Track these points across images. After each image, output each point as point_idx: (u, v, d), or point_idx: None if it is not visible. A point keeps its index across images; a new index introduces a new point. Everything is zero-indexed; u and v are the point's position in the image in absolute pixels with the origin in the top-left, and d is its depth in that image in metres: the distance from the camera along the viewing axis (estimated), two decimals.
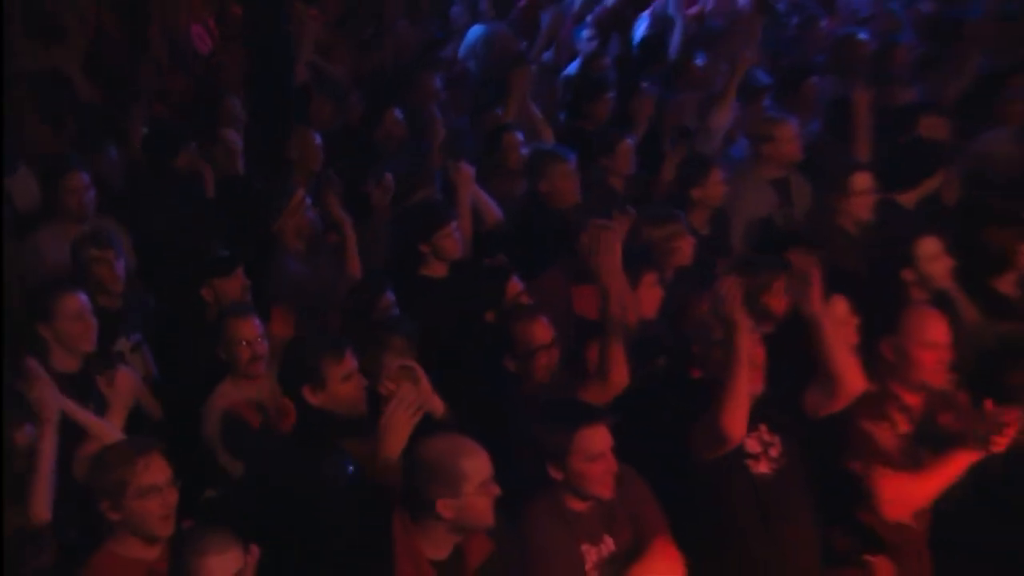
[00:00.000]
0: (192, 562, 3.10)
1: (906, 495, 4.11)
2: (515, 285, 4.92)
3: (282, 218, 5.42)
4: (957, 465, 4.06)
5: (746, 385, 3.90)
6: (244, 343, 4.46)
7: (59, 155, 5.71)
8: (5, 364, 4.23)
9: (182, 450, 4.11)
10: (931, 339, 4.19)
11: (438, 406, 4.11)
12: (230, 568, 3.08)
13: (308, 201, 5.57)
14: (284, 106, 7.55)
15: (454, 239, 5.32)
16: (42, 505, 3.60)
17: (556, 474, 3.59)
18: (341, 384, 3.84)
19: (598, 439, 3.57)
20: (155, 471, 3.29)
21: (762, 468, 4.07)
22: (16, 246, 5.33)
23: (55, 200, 5.42)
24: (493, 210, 6.03)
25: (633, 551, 3.80)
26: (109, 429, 4.03)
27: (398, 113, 7.04)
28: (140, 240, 5.76)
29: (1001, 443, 3.95)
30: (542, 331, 4.35)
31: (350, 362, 3.89)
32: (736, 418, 3.81)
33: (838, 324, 4.68)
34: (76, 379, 4.30)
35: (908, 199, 6.25)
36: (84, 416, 4.04)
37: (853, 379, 4.10)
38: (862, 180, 5.85)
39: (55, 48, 7.63)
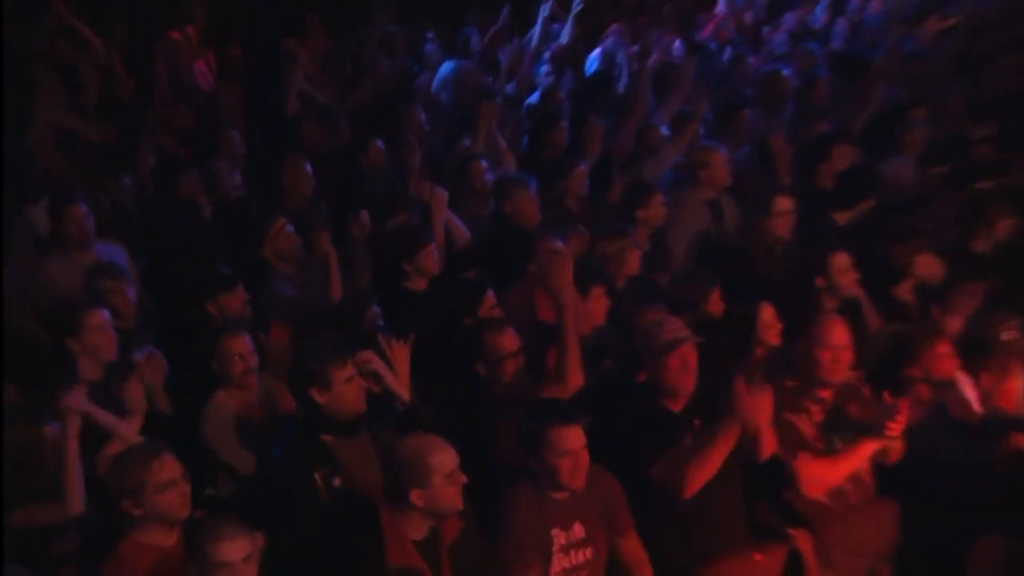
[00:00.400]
0: (208, 548, 3.11)
1: (821, 477, 4.22)
2: (488, 297, 4.89)
3: (266, 244, 5.43)
4: (863, 452, 4.21)
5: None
6: (237, 357, 4.45)
7: (63, 188, 5.67)
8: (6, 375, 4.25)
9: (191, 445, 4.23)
10: (833, 342, 4.26)
11: (404, 394, 4.32)
12: (241, 553, 3.12)
13: (291, 228, 5.52)
14: (278, 136, 7.50)
15: (433, 258, 5.35)
16: (76, 500, 3.68)
17: (534, 465, 3.68)
18: (344, 386, 3.86)
19: (570, 437, 3.64)
20: (169, 468, 3.38)
21: None
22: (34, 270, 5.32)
23: (60, 229, 5.37)
24: (462, 230, 6.05)
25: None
26: (130, 431, 4.09)
27: (380, 143, 7.00)
28: (149, 258, 5.77)
29: (895, 430, 4.10)
30: (509, 341, 4.35)
31: (351, 367, 3.92)
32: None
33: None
34: (99, 386, 4.24)
35: (843, 218, 6.33)
36: (107, 419, 4.07)
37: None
38: (783, 202, 5.90)
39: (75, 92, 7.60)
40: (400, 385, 4.32)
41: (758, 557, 4.14)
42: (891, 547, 4.49)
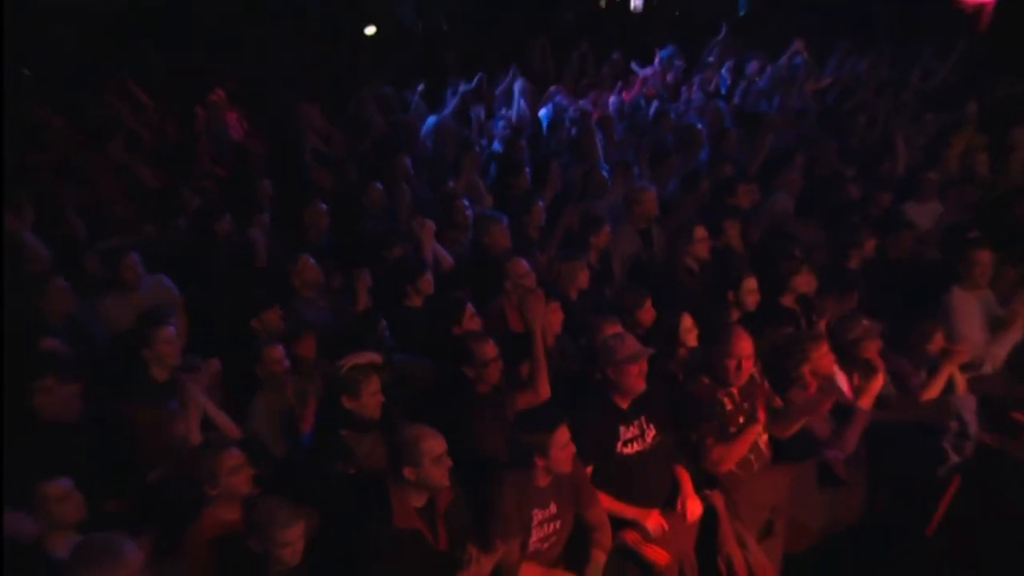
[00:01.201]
0: (274, 533, 3.21)
1: (726, 455, 4.34)
2: (468, 310, 4.87)
3: (293, 275, 5.40)
4: (751, 436, 4.35)
5: None
6: (275, 363, 4.48)
7: (119, 246, 5.60)
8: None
9: None
10: (738, 352, 4.32)
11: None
12: (299, 533, 3.25)
13: (312, 262, 5.49)
14: (297, 180, 7.57)
15: (429, 281, 5.36)
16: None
17: (540, 461, 3.73)
18: (370, 397, 3.98)
19: (565, 435, 3.74)
20: (236, 456, 3.49)
21: (630, 449, 4.16)
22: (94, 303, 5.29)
23: (116, 274, 5.32)
24: (447, 257, 6.02)
25: None
26: (229, 421, 4.25)
27: (379, 185, 7.00)
28: (196, 287, 5.66)
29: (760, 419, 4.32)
30: (490, 349, 4.34)
31: (377, 383, 4.00)
32: None
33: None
34: (166, 386, 4.32)
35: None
36: (212, 410, 4.21)
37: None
38: (700, 231, 5.93)
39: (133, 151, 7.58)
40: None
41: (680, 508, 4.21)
42: (784, 501, 4.57)
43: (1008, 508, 4.69)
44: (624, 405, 4.18)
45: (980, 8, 13.61)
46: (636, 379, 4.12)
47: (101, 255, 5.56)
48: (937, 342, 5.14)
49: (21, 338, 4.50)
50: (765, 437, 4.51)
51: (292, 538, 3.23)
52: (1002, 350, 5.45)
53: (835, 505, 4.78)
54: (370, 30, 13.86)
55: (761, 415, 4.39)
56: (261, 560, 3.24)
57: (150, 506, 3.85)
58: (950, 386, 5.11)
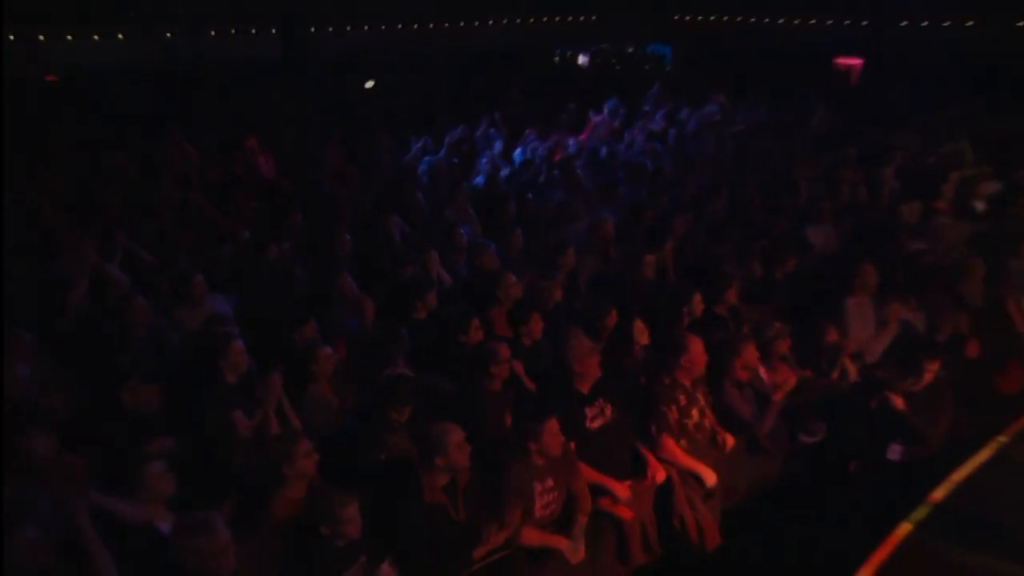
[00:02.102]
0: (339, 512, 3.19)
1: (670, 451, 4.36)
2: (476, 323, 4.83)
3: (336, 289, 5.33)
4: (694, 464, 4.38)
5: None
6: (325, 361, 4.43)
7: (185, 270, 5.46)
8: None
9: None
10: (691, 356, 4.37)
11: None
12: (356, 511, 3.24)
13: (349, 277, 5.44)
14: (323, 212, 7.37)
15: (434, 297, 5.34)
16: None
17: (533, 445, 3.76)
18: (402, 412, 3.95)
19: (554, 425, 3.78)
20: (305, 445, 3.45)
21: (596, 424, 4.20)
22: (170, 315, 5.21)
23: (187, 291, 5.23)
24: (446, 277, 5.97)
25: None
26: (295, 416, 4.15)
27: (396, 218, 6.88)
28: (245, 305, 5.57)
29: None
30: (506, 351, 4.33)
31: (410, 408, 3.97)
32: None
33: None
34: (235, 388, 4.28)
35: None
36: (286, 406, 4.14)
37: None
38: (649, 259, 6.02)
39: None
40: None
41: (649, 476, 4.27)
42: (721, 470, 4.54)
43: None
44: (585, 390, 4.22)
45: (850, 69, 13.94)
46: (593, 368, 4.20)
47: (172, 276, 5.46)
48: (831, 337, 5.23)
49: (111, 349, 4.45)
50: (709, 417, 4.54)
51: (352, 515, 3.22)
52: (880, 345, 5.54)
53: (759, 469, 4.83)
54: (369, 84, 13.78)
55: (702, 401, 4.45)
56: (327, 537, 3.23)
57: (220, 487, 3.75)
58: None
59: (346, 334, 5.01)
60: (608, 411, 4.23)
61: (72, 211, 6.57)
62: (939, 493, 4.42)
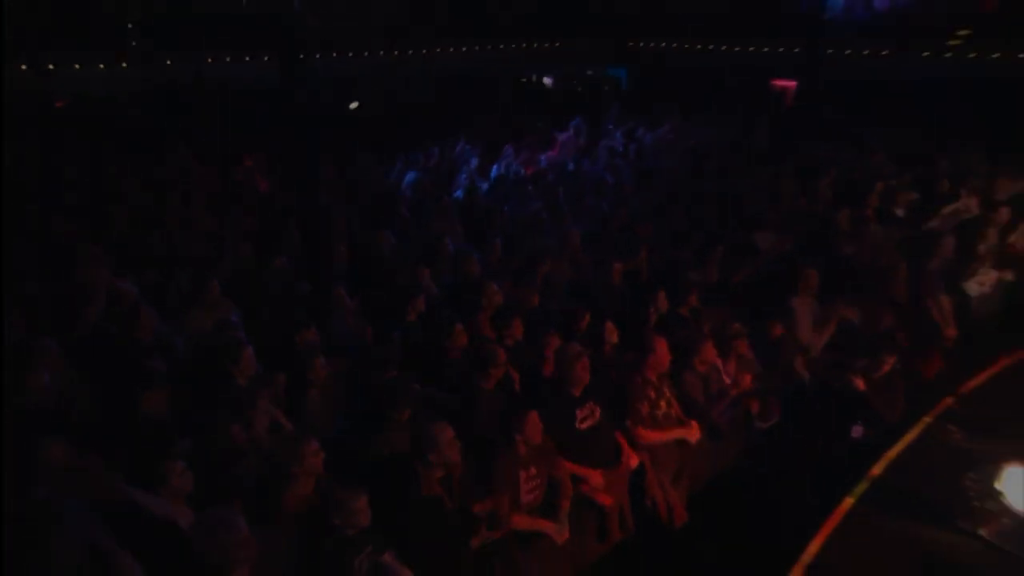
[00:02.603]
0: (350, 504, 3.12)
1: (648, 438, 4.36)
2: (459, 328, 4.71)
3: (333, 303, 5.24)
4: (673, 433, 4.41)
5: None
6: (320, 369, 4.33)
7: (201, 272, 5.38)
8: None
9: None
10: (658, 355, 4.38)
11: None
12: (366, 503, 3.17)
13: (343, 291, 5.34)
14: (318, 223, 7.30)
15: (423, 302, 5.28)
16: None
17: (518, 436, 3.74)
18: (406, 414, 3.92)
19: (535, 417, 3.77)
20: (314, 444, 3.37)
21: (585, 425, 4.16)
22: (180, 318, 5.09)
23: (200, 294, 5.15)
24: (432, 288, 5.83)
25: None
26: (288, 423, 4.07)
27: (389, 233, 6.74)
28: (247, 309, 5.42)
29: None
30: (503, 354, 4.29)
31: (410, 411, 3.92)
32: None
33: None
34: (244, 391, 4.08)
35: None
36: (279, 415, 4.06)
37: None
38: (617, 267, 5.96)
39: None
40: None
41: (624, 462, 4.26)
42: (687, 456, 4.55)
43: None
44: (577, 393, 4.19)
45: (785, 90, 14.16)
46: (583, 372, 4.16)
47: (187, 279, 5.33)
48: (776, 332, 5.30)
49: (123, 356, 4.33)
50: (675, 407, 4.54)
51: (362, 506, 3.17)
52: (822, 340, 5.59)
53: (718, 454, 4.85)
54: (353, 105, 13.64)
55: (668, 393, 4.45)
56: (337, 528, 3.16)
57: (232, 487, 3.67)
58: None
59: (342, 342, 4.93)
60: (597, 413, 4.22)
61: (85, 226, 6.38)
62: (877, 469, 4.54)
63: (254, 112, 10.56)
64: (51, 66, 9.19)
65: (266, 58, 11.07)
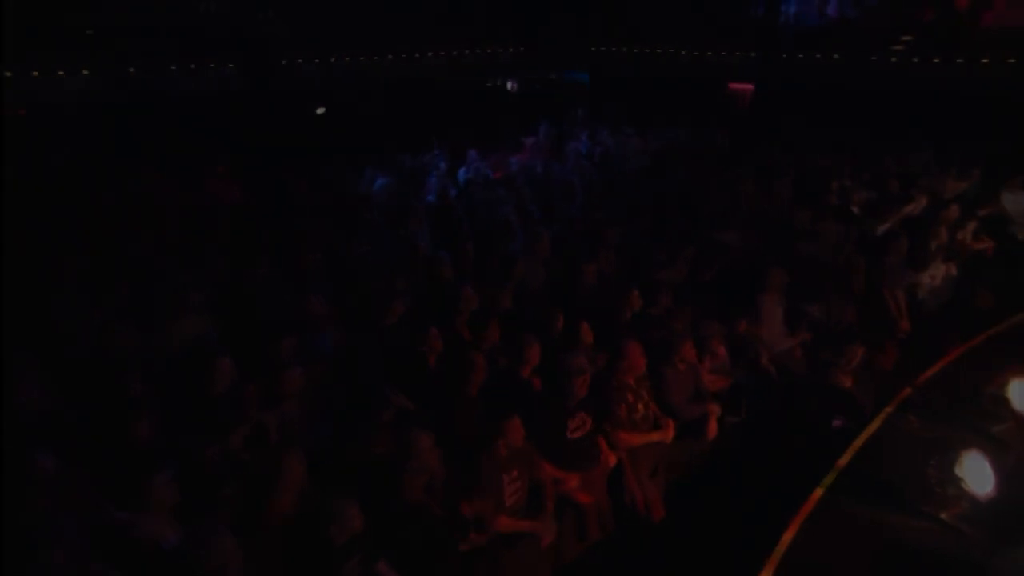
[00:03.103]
0: (344, 510, 3.12)
1: (627, 441, 4.42)
2: (435, 332, 4.72)
3: (307, 310, 5.15)
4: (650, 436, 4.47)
5: None
6: (295, 379, 4.30)
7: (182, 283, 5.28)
8: None
9: None
10: (632, 361, 4.43)
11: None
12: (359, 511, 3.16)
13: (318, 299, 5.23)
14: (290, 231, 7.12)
15: (401, 305, 5.26)
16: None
17: (500, 440, 3.76)
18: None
19: (516, 421, 3.80)
20: (297, 453, 3.37)
21: (577, 434, 4.23)
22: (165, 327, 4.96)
23: (179, 305, 5.03)
24: (408, 292, 5.66)
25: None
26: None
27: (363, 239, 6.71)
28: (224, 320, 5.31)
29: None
30: (482, 361, 4.34)
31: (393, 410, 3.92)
32: None
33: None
34: (220, 400, 4.05)
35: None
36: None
37: None
38: (590, 268, 5.97)
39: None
40: None
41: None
42: (663, 452, 4.64)
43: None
44: (571, 405, 4.25)
45: (742, 93, 14.42)
46: (581, 388, 4.22)
47: (166, 291, 5.21)
48: (742, 328, 5.42)
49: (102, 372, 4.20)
50: (653, 408, 4.60)
51: (356, 512, 3.17)
52: (787, 338, 5.72)
53: (694, 449, 4.90)
54: (320, 110, 13.46)
55: (646, 395, 4.50)
56: (325, 537, 3.13)
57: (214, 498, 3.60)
58: None
59: (319, 350, 4.86)
60: (588, 423, 4.26)
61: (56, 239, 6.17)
62: (844, 459, 4.64)
63: (221, 121, 10.34)
64: (8, 73, 8.85)
65: (231, 65, 10.86)
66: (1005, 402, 4.51)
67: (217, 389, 4.07)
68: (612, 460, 4.33)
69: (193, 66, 10.58)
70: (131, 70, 9.77)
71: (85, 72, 9.57)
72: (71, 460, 3.24)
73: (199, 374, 4.07)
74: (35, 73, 9.21)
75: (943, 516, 3.97)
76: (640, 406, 4.47)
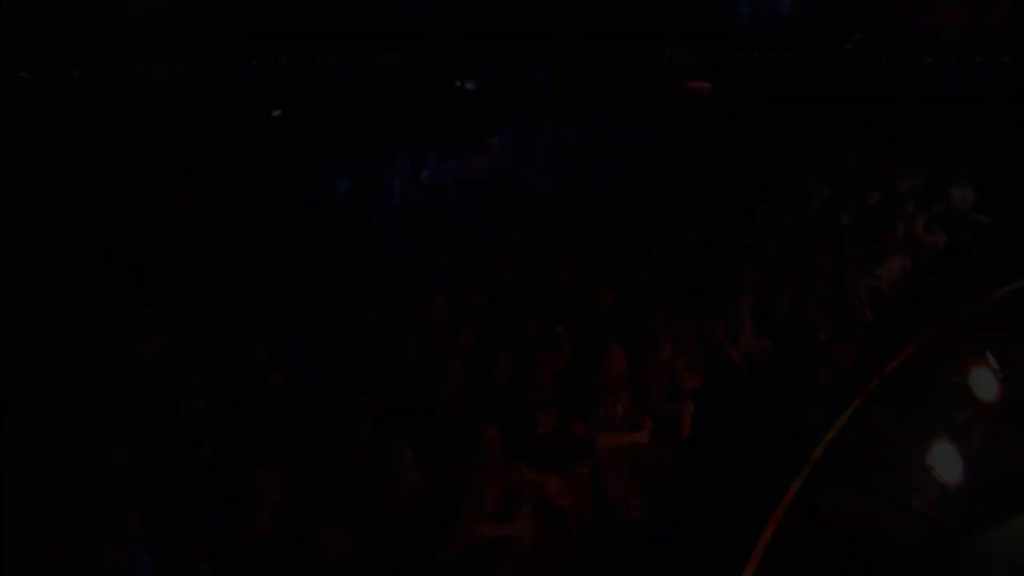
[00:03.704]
0: (329, 533, 3.02)
1: (606, 442, 4.34)
2: (410, 336, 4.62)
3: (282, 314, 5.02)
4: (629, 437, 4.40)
5: None
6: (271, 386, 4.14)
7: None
8: None
9: None
10: (614, 365, 4.37)
11: None
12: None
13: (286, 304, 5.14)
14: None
15: (375, 313, 5.09)
16: None
17: (479, 447, 3.69)
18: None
19: (495, 429, 3.72)
20: (270, 472, 3.21)
21: (544, 430, 4.15)
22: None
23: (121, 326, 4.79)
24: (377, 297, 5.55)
25: None
26: None
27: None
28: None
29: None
30: (457, 367, 4.29)
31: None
32: None
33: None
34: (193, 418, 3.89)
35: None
36: None
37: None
38: (561, 270, 5.86)
39: None
40: None
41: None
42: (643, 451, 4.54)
43: None
44: (535, 399, 4.19)
45: (700, 90, 14.58)
46: (543, 380, 4.19)
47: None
48: (713, 326, 5.35)
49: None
50: (631, 409, 4.50)
51: (341, 537, 3.08)
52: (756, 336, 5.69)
53: (669, 446, 4.78)
54: (276, 112, 13.16)
55: (625, 397, 4.44)
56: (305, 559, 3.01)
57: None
58: None
59: (290, 358, 4.69)
60: (554, 418, 4.20)
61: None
62: (818, 452, 4.72)
63: (173, 121, 9.97)
64: None
65: (183, 66, 10.50)
66: (967, 390, 4.65)
67: (183, 409, 3.91)
68: (590, 462, 4.26)
69: (142, 67, 10.18)
70: (75, 72, 9.33)
71: (23, 75, 9.12)
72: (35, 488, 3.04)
73: (161, 396, 3.91)
74: None
75: (915, 504, 4.07)
76: (619, 409, 4.40)
